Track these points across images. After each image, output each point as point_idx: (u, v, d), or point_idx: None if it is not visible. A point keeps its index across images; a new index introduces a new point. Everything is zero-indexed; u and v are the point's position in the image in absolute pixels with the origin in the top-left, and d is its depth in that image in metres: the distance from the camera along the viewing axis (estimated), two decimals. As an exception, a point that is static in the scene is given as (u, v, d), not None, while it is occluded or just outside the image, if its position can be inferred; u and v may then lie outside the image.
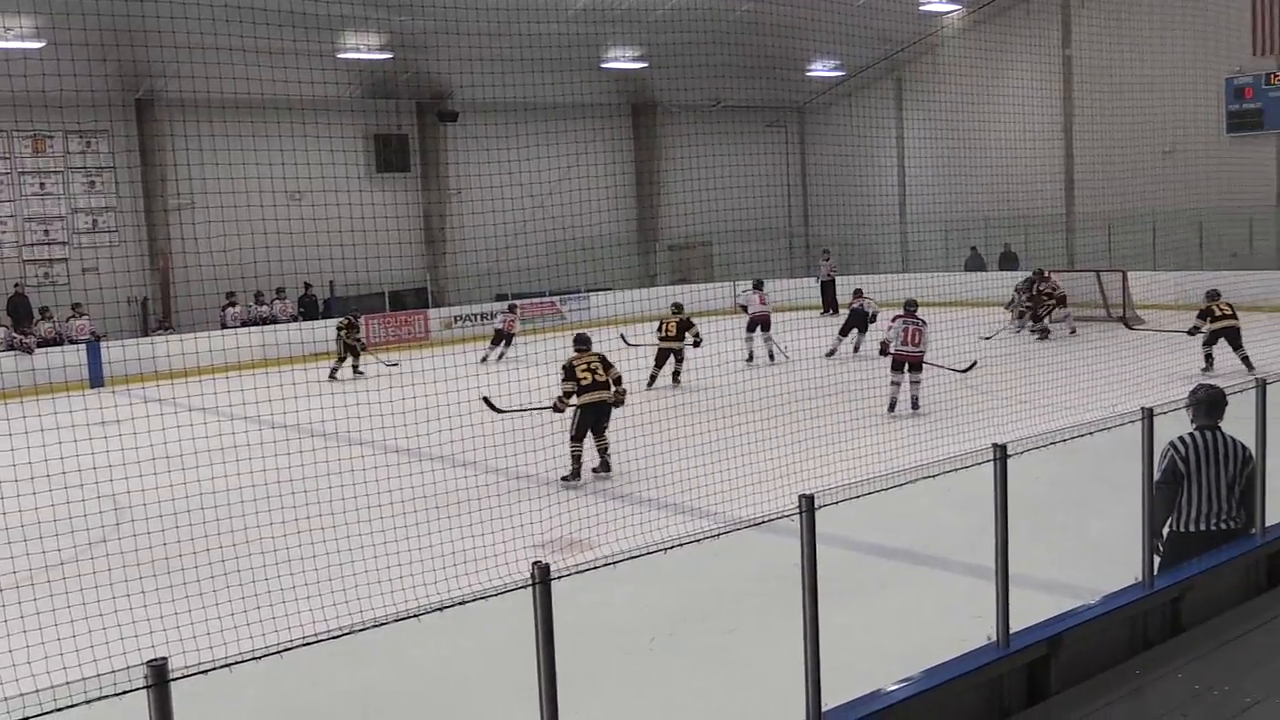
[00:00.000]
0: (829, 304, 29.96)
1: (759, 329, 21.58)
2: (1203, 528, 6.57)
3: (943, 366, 17.00)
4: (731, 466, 11.16)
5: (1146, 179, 27.71)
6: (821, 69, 34.67)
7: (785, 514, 4.77)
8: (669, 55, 24.60)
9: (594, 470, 12.52)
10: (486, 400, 13.39)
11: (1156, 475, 6.55)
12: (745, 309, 22.26)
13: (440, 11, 19.55)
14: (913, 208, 35.14)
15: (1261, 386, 6.89)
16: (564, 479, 12.19)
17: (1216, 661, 5.90)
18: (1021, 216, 30.63)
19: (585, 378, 12.46)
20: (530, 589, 4.03)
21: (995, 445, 5.45)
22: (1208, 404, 6.71)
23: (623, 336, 20.14)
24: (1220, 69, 28.34)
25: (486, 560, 8.33)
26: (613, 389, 12.57)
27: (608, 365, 12.68)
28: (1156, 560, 6.56)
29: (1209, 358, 17.72)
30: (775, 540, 5.44)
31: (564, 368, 12.71)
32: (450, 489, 11.29)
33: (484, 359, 23.22)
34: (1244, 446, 6.67)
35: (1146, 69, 27.76)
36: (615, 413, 12.74)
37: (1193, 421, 6.73)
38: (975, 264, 32.26)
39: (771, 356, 21.14)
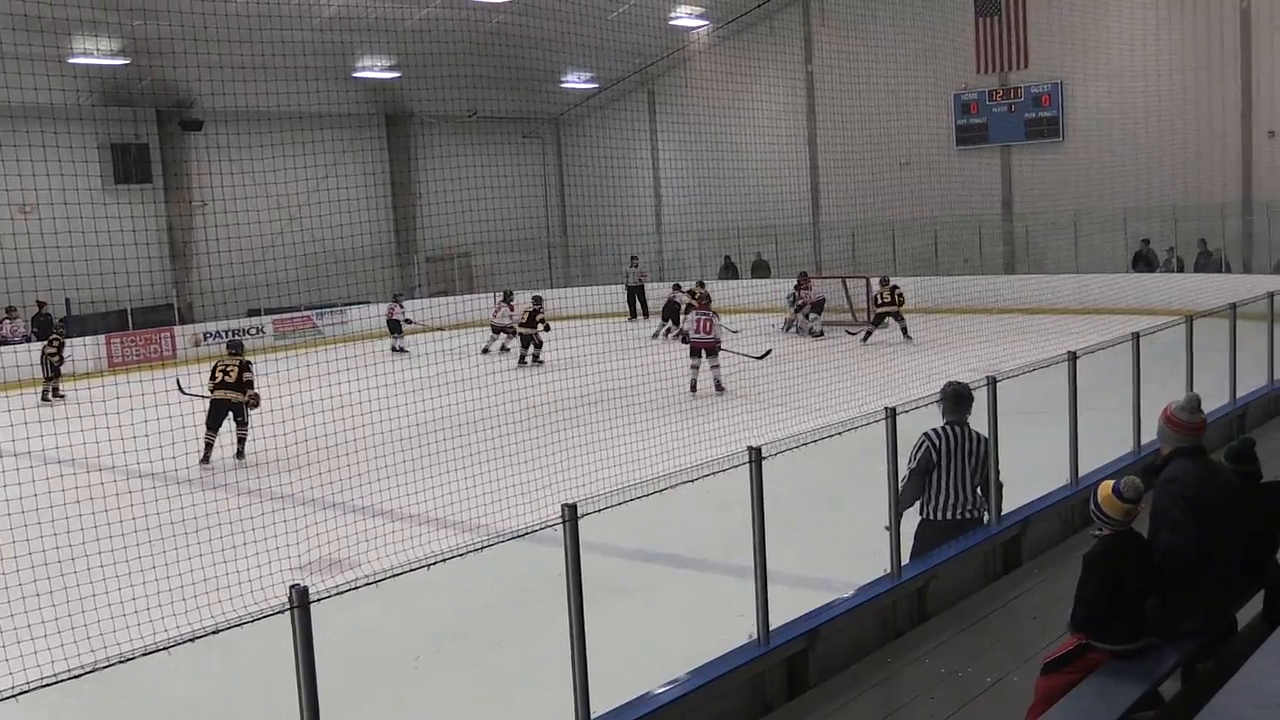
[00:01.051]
0: (636, 309, 30.35)
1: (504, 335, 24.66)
2: (950, 516, 6.96)
3: (740, 353, 18.64)
4: (497, 477, 11.11)
5: (885, 189, 29.20)
6: (576, 81, 34.99)
7: (549, 524, 4.78)
8: (422, 65, 24.27)
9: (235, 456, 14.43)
10: (178, 383, 15.42)
11: (912, 464, 6.91)
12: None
13: (180, 17, 18.73)
14: (668, 218, 35.86)
15: (992, 384, 7.34)
16: (200, 463, 14.10)
17: (960, 645, 6.23)
18: (771, 226, 31.72)
19: (219, 376, 14.54)
20: (289, 613, 3.90)
21: (750, 448, 5.61)
22: (954, 399, 7.11)
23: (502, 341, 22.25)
24: (949, 87, 30.13)
25: (243, 586, 8.01)
26: (246, 393, 14.48)
27: (244, 370, 14.64)
28: (910, 545, 6.90)
29: (869, 333, 22.77)
30: (540, 550, 5.43)
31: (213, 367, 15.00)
32: (202, 513, 10.81)
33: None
34: (987, 441, 7.09)
35: (883, 86, 29.28)
36: (378, 425, 13.56)
37: (943, 416, 7.10)
38: (729, 272, 33.18)
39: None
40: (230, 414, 14.49)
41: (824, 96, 32.02)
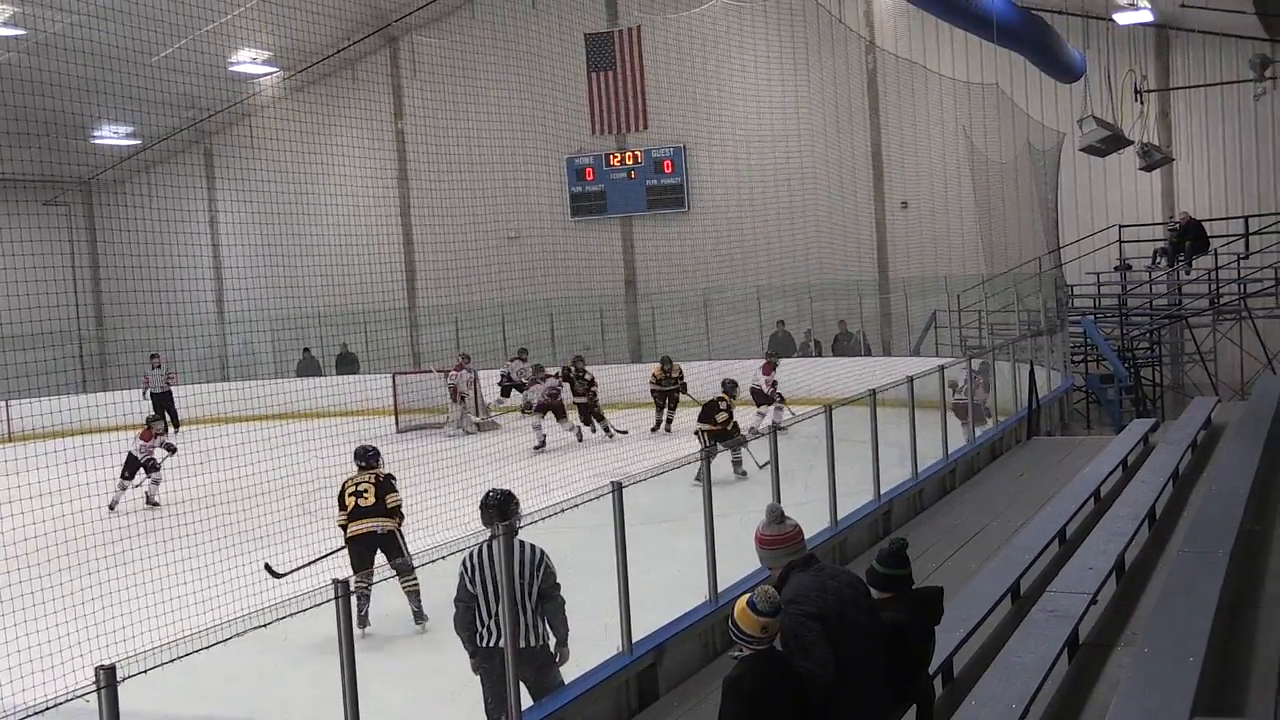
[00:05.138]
0: (167, 417, 28.92)
1: None
2: (502, 645, 6.84)
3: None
4: (15, 636, 10.33)
5: (492, 267, 29.71)
6: (112, 136, 33.70)
7: (79, 693, 4.51)
8: (-96, 113, 22.69)
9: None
10: (267, 567, 12.12)
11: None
12: None
13: None
14: (232, 303, 34.91)
15: (618, 490, 7.59)
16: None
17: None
18: (360, 312, 31.54)
19: (350, 503, 11.59)
20: None
21: (336, 581, 5.51)
22: (490, 509, 7.46)
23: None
24: (561, 150, 31.20)
25: None
26: (397, 518, 11.62)
27: (388, 488, 11.68)
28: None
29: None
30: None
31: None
32: None
33: None
34: (537, 551, 7.24)
35: (486, 147, 29.93)
36: None
37: (487, 527, 7.24)
38: (309, 368, 32.68)
39: None
40: (379, 549, 11.48)
41: (418, 159, 32.33)
